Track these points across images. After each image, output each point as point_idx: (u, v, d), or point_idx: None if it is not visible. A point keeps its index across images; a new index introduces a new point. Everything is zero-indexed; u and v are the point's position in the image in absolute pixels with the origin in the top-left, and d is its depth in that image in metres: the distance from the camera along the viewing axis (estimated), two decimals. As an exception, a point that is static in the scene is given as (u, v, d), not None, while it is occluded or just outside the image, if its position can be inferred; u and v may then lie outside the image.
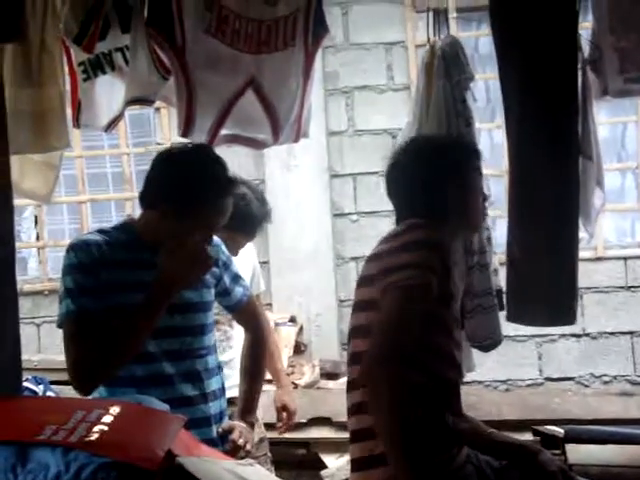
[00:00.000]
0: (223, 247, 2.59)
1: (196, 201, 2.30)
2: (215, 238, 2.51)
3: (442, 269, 2.05)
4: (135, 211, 5.71)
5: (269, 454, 3.35)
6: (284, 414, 3.40)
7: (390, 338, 1.95)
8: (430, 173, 2.21)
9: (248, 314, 2.69)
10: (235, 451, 2.40)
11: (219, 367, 2.52)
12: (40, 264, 5.99)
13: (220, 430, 2.44)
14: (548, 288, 2.54)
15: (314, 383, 5.03)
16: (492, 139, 5.53)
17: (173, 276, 2.25)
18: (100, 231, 2.39)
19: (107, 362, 2.23)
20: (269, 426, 3.45)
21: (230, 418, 2.60)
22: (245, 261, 3.38)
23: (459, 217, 2.22)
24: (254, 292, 3.39)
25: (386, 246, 2.13)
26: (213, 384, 2.44)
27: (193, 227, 2.30)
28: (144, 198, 2.41)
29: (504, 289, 2.76)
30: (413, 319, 1.99)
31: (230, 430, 2.47)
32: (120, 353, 2.23)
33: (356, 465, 2.14)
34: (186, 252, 2.26)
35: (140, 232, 2.37)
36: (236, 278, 2.62)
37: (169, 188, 2.32)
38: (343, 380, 4.81)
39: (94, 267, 2.28)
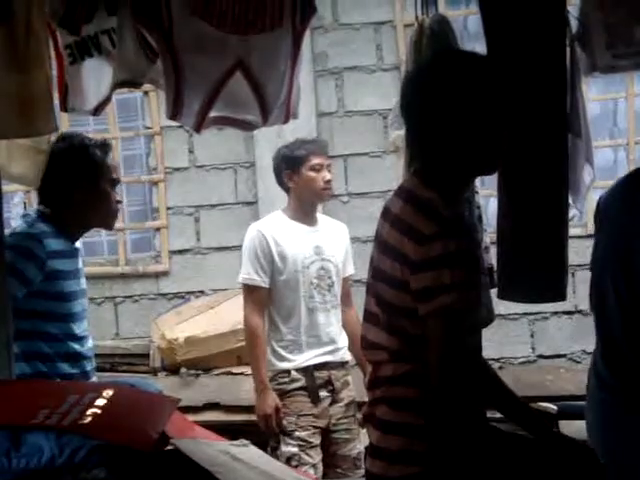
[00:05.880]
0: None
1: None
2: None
3: (474, 258, 2.02)
4: (128, 194, 5.70)
5: (358, 415, 3.67)
6: None
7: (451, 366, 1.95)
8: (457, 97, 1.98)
9: None
10: None
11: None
12: (31, 250, 5.96)
13: None
14: (538, 265, 2.54)
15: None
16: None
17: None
18: (32, 221, 2.87)
19: None
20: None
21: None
22: (338, 243, 3.79)
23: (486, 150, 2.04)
24: (346, 274, 3.79)
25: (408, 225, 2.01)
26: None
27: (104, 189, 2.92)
28: (53, 194, 2.90)
29: (495, 267, 2.77)
30: (462, 336, 1.97)
31: None
32: None
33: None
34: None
35: (60, 223, 2.87)
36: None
37: (77, 181, 2.87)
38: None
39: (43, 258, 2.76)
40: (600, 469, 2.12)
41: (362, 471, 3.63)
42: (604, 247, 2.55)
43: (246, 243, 3.73)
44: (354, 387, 3.79)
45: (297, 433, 3.59)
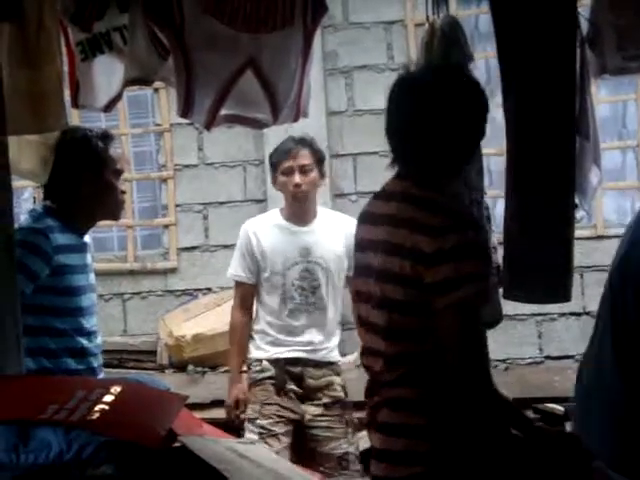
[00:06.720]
0: None
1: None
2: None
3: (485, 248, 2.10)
4: (137, 191, 5.71)
5: (347, 416, 3.74)
6: None
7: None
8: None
9: None
10: None
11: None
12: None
13: None
14: (543, 266, 2.54)
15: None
16: (492, 118, 5.50)
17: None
18: (38, 216, 2.90)
19: None
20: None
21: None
22: (334, 243, 3.76)
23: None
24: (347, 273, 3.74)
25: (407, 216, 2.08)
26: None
27: (108, 180, 2.91)
28: (58, 188, 2.91)
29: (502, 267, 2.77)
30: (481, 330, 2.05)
31: None
32: None
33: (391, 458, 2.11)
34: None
35: (67, 217, 2.88)
36: None
37: (82, 173, 2.88)
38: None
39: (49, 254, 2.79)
40: (584, 455, 2.10)
41: (348, 472, 3.67)
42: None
43: (238, 240, 3.86)
44: (343, 388, 3.78)
45: (259, 421, 3.64)
